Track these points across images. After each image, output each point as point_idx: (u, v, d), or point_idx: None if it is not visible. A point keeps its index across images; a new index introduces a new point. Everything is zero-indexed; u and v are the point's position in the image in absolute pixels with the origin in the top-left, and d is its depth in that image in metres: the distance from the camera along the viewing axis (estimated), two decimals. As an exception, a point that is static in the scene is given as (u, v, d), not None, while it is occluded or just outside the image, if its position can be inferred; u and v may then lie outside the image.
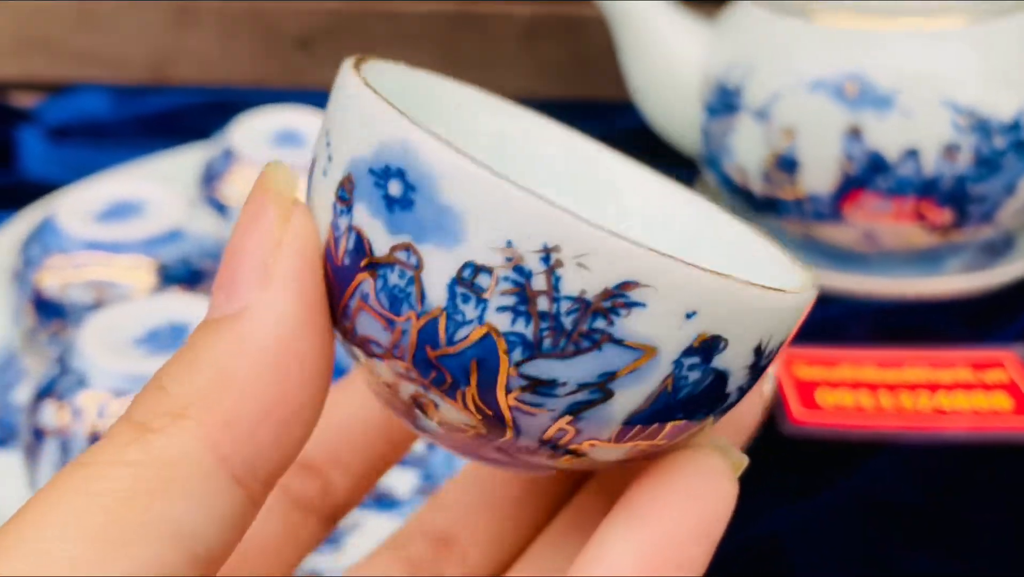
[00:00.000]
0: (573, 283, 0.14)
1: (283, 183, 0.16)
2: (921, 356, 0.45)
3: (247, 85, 0.75)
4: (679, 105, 0.52)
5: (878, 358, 0.45)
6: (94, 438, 0.31)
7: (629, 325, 0.15)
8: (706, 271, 0.15)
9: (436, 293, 0.15)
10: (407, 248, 0.15)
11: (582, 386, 0.15)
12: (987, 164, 0.45)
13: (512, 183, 0.14)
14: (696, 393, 0.16)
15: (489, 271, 0.15)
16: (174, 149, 0.61)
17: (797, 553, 0.37)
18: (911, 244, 0.48)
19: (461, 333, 0.15)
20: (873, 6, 0.46)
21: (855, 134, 0.45)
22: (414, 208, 0.15)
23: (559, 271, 0.14)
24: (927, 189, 0.45)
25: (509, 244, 0.14)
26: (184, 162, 0.53)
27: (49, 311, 0.40)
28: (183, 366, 0.15)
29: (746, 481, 0.38)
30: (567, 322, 0.15)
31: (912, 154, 0.45)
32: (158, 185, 0.44)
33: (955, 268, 0.51)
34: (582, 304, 0.15)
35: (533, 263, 0.14)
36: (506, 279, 0.15)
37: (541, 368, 0.15)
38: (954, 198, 0.45)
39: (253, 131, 0.50)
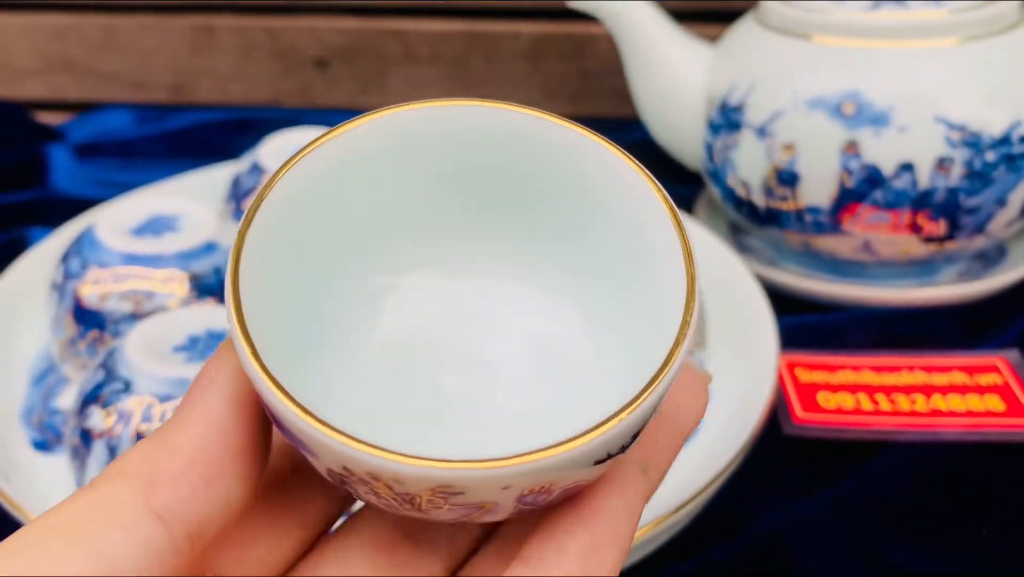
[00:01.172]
0: (404, 488, 0.18)
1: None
2: (918, 361, 0.47)
3: (265, 104, 0.77)
4: (683, 122, 0.54)
5: (877, 363, 0.47)
6: (139, 438, 0.33)
7: (461, 500, 0.18)
8: (501, 466, 0.18)
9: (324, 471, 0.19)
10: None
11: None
12: (979, 177, 0.46)
13: (333, 430, 0.18)
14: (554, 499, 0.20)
15: (344, 477, 0.19)
16: (199, 166, 0.63)
17: (799, 549, 0.37)
18: (907, 254, 0.49)
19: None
20: (869, 27, 0.47)
21: (852, 150, 0.46)
22: (285, 429, 0.19)
23: (388, 484, 0.18)
24: (921, 202, 0.47)
25: (345, 468, 0.18)
26: (214, 179, 0.55)
27: (89, 321, 0.41)
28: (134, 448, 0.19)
29: (750, 480, 0.40)
30: (417, 502, 0.19)
31: (907, 168, 0.46)
32: (191, 201, 0.46)
33: (950, 276, 0.52)
34: (417, 497, 0.18)
35: (368, 479, 0.18)
36: (359, 481, 0.18)
37: None
38: (947, 210, 0.47)
39: (280, 149, 0.51)
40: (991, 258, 0.54)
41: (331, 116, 0.74)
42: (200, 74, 0.77)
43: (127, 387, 0.34)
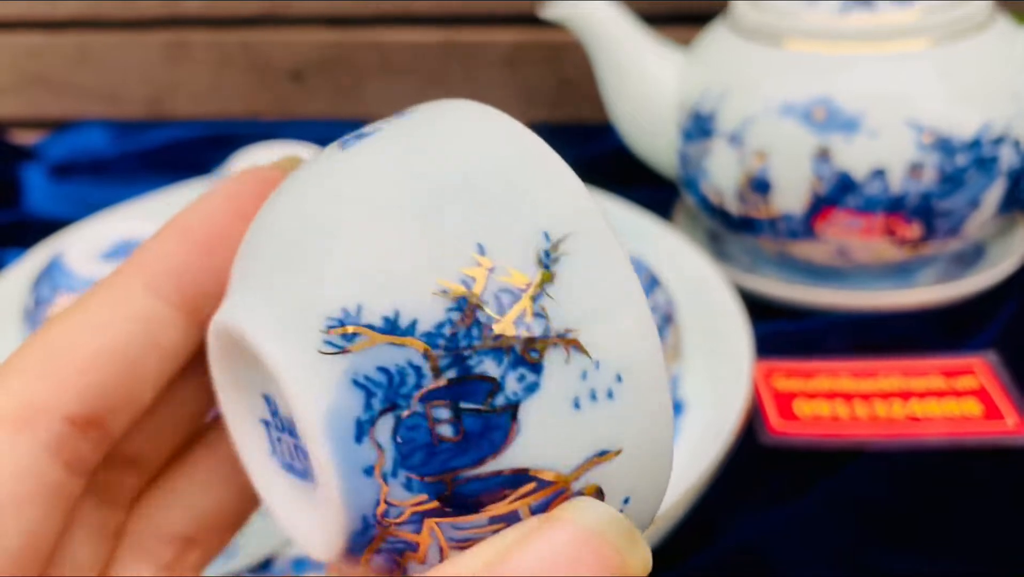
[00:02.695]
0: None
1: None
2: (894, 365, 0.46)
3: (241, 117, 0.77)
4: (657, 130, 0.53)
5: (853, 369, 0.46)
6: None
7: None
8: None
9: None
10: None
11: None
12: (951, 180, 0.46)
13: None
14: None
15: None
16: (176, 182, 0.63)
17: (777, 557, 0.37)
18: (882, 258, 0.49)
19: None
20: (839, 31, 0.47)
21: (824, 155, 0.46)
22: None
23: None
24: (895, 206, 0.47)
25: None
26: (185, 197, 0.55)
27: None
28: None
29: (727, 490, 0.39)
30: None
31: (879, 173, 0.46)
32: (161, 222, 0.46)
33: (927, 279, 0.52)
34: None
35: None
36: None
37: None
38: (921, 213, 0.47)
39: (250, 164, 0.51)
40: (969, 260, 0.54)
41: (308, 129, 0.74)
42: (176, 89, 0.76)
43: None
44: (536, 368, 0.15)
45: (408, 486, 0.15)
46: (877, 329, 0.50)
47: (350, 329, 0.15)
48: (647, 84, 0.53)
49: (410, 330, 0.15)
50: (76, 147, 0.74)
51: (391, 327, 0.15)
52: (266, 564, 0.35)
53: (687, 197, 0.55)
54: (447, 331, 0.15)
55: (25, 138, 0.76)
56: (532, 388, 0.15)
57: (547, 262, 0.15)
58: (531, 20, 0.72)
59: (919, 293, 0.50)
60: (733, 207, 0.50)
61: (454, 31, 0.74)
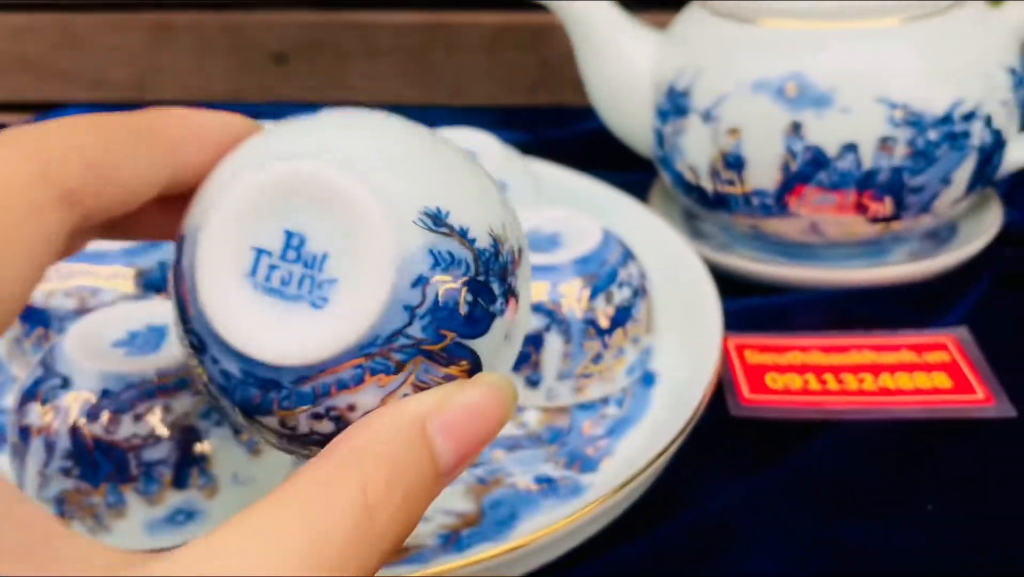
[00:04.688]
0: None
1: None
2: (866, 341, 0.47)
3: (225, 100, 0.77)
4: (634, 110, 0.54)
5: (825, 343, 0.47)
6: (75, 434, 0.33)
7: None
8: None
9: None
10: None
11: None
12: (922, 156, 0.47)
13: None
14: None
15: None
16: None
17: (746, 527, 0.38)
18: (855, 234, 0.50)
19: None
20: (813, 9, 0.48)
21: (796, 131, 0.47)
22: None
23: None
24: (866, 182, 0.47)
25: None
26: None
27: (34, 319, 0.41)
28: None
29: (697, 462, 0.40)
30: None
31: (850, 149, 0.46)
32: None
33: (901, 256, 0.53)
34: None
35: None
36: None
37: None
38: (892, 190, 0.47)
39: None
40: (943, 237, 0.54)
41: (291, 110, 0.74)
42: (160, 71, 0.77)
43: (65, 383, 0.34)
44: (509, 302, 0.24)
45: (425, 329, 0.22)
46: (849, 305, 0.50)
47: (440, 221, 0.23)
48: (624, 64, 0.54)
49: (472, 242, 0.23)
50: (59, 129, 0.74)
51: (463, 234, 0.23)
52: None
53: (663, 176, 0.55)
54: (487, 254, 0.23)
55: (7, 122, 0.76)
56: (502, 312, 0.24)
57: (522, 245, 0.25)
58: (514, 4, 0.72)
59: (892, 270, 0.51)
60: (708, 184, 0.50)
61: (437, 14, 0.74)
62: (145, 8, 0.75)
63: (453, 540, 0.35)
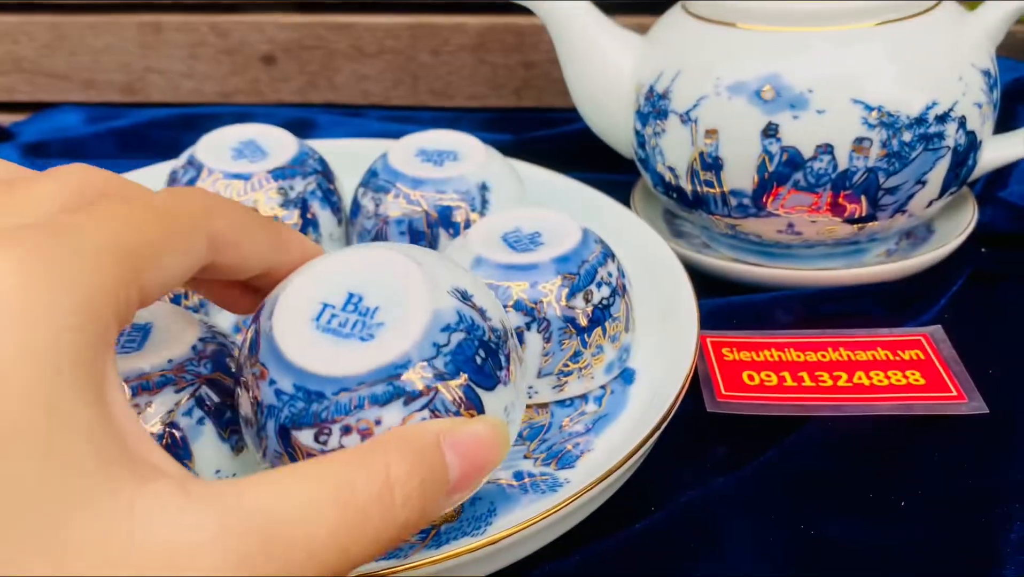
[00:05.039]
0: None
1: None
2: (842, 339, 0.48)
3: (215, 101, 0.78)
4: (616, 111, 0.54)
5: (801, 341, 0.48)
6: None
7: None
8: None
9: None
10: None
11: None
12: (897, 157, 0.47)
13: None
14: None
15: None
16: (150, 164, 0.64)
17: (722, 521, 0.38)
18: (831, 234, 0.50)
19: None
20: (790, 13, 0.48)
21: (772, 133, 0.47)
22: None
23: None
24: (841, 183, 0.48)
25: None
26: (152, 176, 0.56)
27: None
28: None
29: (676, 456, 0.41)
30: None
31: (826, 150, 0.47)
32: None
33: (878, 256, 0.53)
34: None
35: None
36: None
37: None
38: (867, 190, 0.48)
39: (216, 145, 0.52)
40: (919, 237, 0.55)
41: (280, 111, 0.75)
42: (150, 72, 0.77)
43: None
44: (509, 378, 0.32)
45: (447, 364, 0.29)
46: (825, 304, 0.51)
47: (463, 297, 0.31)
48: (606, 65, 0.54)
49: (488, 320, 0.31)
50: (52, 130, 0.74)
51: (482, 313, 0.31)
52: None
53: (644, 177, 0.56)
54: (498, 332, 0.31)
55: (1, 120, 0.76)
56: (505, 383, 0.31)
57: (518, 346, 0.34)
58: (499, 6, 0.73)
59: (867, 270, 0.51)
60: (687, 185, 0.51)
61: (423, 16, 0.75)
62: (136, 10, 0.75)
63: (432, 535, 0.35)
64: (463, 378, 0.29)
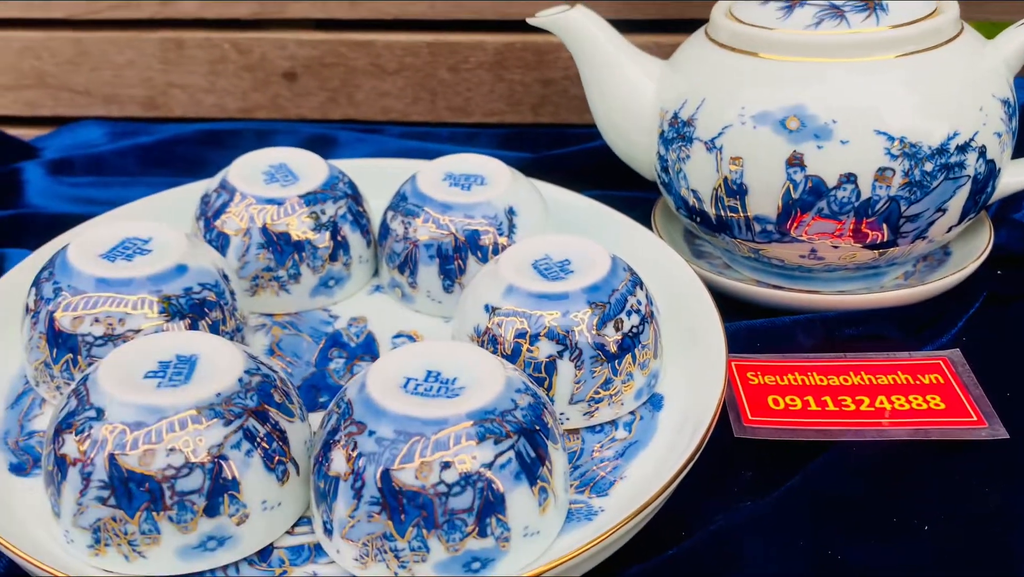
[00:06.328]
0: None
1: None
2: (863, 363, 0.49)
3: (236, 116, 0.78)
4: (638, 135, 0.55)
5: (823, 366, 0.49)
6: (111, 464, 0.34)
7: None
8: None
9: None
10: None
11: None
12: (918, 186, 0.48)
13: None
14: None
15: None
16: (172, 179, 0.64)
17: (750, 547, 0.39)
18: (853, 259, 0.51)
19: None
20: (813, 44, 0.49)
21: (797, 162, 0.48)
22: None
23: None
24: (864, 211, 0.49)
25: None
26: (184, 197, 0.57)
27: (62, 344, 0.43)
28: None
29: (703, 482, 0.42)
30: None
31: (849, 179, 0.48)
32: (161, 223, 0.47)
33: (895, 279, 0.54)
34: None
35: None
36: None
37: None
38: (889, 218, 0.49)
39: (248, 167, 0.53)
40: (936, 260, 0.56)
41: (301, 128, 0.75)
42: (172, 88, 0.78)
43: (99, 414, 0.35)
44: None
45: (525, 416, 0.36)
46: (846, 327, 0.52)
47: None
48: (629, 92, 0.55)
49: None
50: (75, 144, 0.75)
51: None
52: (264, 552, 0.37)
53: (666, 199, 0.56)
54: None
55: (23, 135, 0.77)
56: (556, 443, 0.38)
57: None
58: (517, 25, 0.73)
59: (887, 294, 0.52)
60: (710, 209, 0.52)
61: (442, 34, 0.75)
62: (158, 26, 0.76)
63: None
64: (537, 429, 0.36)
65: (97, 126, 0.77)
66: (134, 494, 0.34)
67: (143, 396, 0.35)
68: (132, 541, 0.35)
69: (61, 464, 0.35)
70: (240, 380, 0.37)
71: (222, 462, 0.35)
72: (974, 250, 0.55)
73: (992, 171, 0.50)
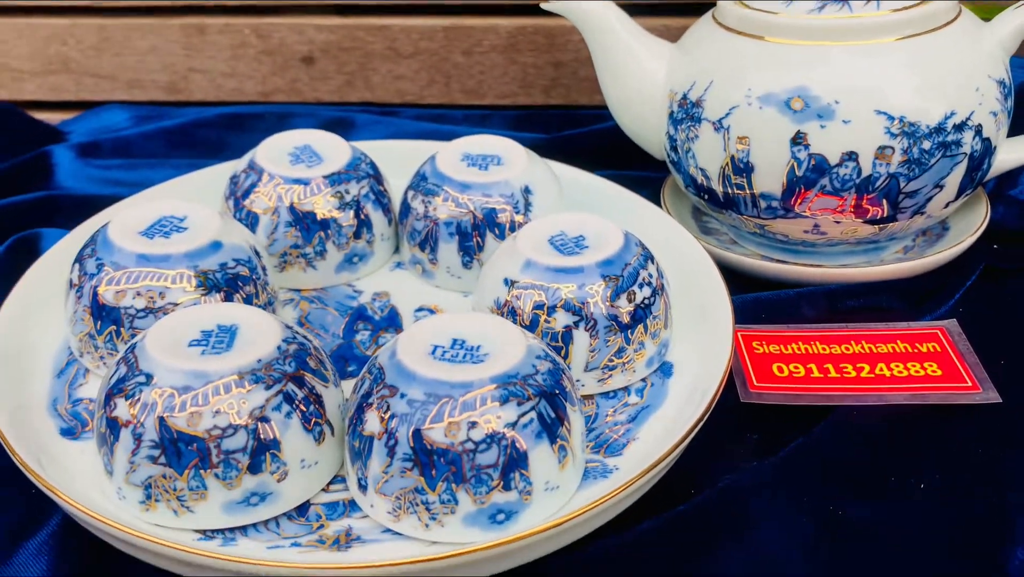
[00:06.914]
0: None
1: None
2: (863, 332, 0.51)
3: (256, 100, 0.80)
4: (648, 116, 0.57)
5: (826, 335, 0.51)
6: (161, 426, 0.37)
7: None
8: None
9: None
10: None
11: None
12: (917, 164, 0.50)
13: None
14: None
15: None
16: (196, 161, 0.66)
17: (756, 504, 0.41)
18: (854, 234, 0.53)
19: None
20: (816, 27, 0.51)
21: (800, 141, 0.50)
22: None
23: None
24: (865, 187, 0.51)
25: None
26: (213, 178, 0.59)
27: (106, 317, 0.45)
28: None
29: (711, 442, 0.44)
30: None
31: (851, 157, 0.50)
32: (193, 201, 0.50)
33: (895, 252, 0.56)
34: None
35: None
36: None
37: None
38: (888, 194, 0.51)
39: (274, 149, 0.55)
40: (935, 234, 0.58)
41: (319, 110, 0.77)
42: (193, 72, 0.80)
43: (148, 380, 0.38)
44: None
45: (545, 380, 0.38)
46: (848, 299, 0.54)
47: None
48: (640, 74, 0.57)
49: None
50: (101, 128, 0.77)
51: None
52: (303, 508, 0.40)
53: (675, 177, 0.59)
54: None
55: (49, 119, 0.79)
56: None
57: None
58: (529, 9, 0.75)
59: (887, 267, 0.55)
60: (718, 187, 0.54)
61: (456, 18, 0.77)
62: (180, 13, 0.78)
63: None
64: (556, 393, 0.38)
65: (121, 110, 0.79)
66: (183, 453, 0.37)
67: (189, 362, 0.38)
68: (181, 497, 0.37)
69: (113, 426, 0.38)
70: (279, 348, 0.39)
71: (264, 423, 0.37)
72: (971, 225, 0.57)
73: (988, 149, 0.52)
